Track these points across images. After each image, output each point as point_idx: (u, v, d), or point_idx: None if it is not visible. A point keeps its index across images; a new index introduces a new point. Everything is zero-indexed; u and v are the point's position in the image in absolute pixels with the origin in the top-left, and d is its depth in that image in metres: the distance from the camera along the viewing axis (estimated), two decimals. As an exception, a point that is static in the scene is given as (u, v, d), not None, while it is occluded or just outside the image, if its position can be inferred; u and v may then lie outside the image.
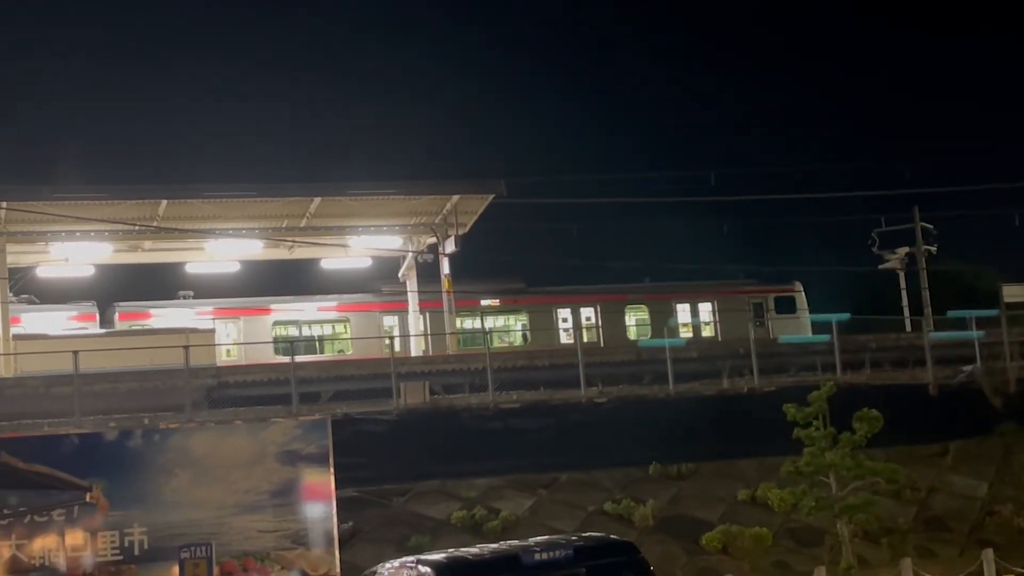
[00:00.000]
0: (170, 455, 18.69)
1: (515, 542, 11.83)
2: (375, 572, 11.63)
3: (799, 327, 41.72)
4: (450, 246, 35.51)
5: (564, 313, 41.83)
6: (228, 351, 35.92)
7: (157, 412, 25.85)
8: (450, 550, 11.57)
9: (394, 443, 26.70)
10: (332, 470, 19.22)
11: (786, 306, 44.25)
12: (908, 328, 42.05)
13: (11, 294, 35.57)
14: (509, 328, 41.71)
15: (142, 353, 28.11)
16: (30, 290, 37.05)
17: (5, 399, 27.13)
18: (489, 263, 44.25)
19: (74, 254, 34.06)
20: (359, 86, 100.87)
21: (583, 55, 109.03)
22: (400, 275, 38.10)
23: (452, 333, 36.09)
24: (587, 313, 42.08)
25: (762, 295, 44.34)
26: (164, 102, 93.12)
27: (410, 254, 36.86)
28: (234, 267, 37.62)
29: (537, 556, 10.16)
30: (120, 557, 18.10)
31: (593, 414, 28.69)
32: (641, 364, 32.72)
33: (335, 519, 19.22)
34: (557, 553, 10.26)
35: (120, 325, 36.05)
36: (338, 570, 18.92)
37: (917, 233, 47.53)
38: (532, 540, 11.49)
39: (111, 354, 28.06)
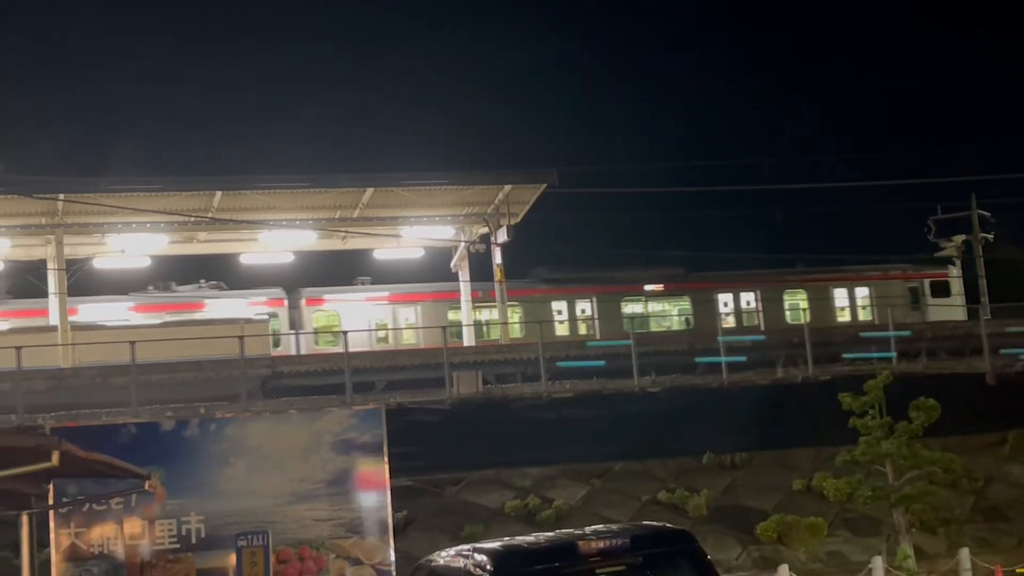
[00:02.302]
0: (226, 444, 18.79)
1: (570, 531, 11.77)
2: (431, 560, 11.60)
3: (954, 312, 41.46)
4: (502, 236, 35.49)
5: (725, 298, 41.92)
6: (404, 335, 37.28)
7: (220, 401, 26.15)
8: (506, 538, 11.53)
9: (447, 432, 26.79)
10: (386, 459, 19.25)
11: (941, 291, 44.01)
12: (965, 316, 41.64)
13: (203, 280, 36.61)
14: (667, 313, 42.07)
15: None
16: (221, 277, 38.74)
17: (64, 389, 27.50)
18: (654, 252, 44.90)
19: (130, 245, 34.41)
20: (413, 74, 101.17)
21: (637, 43, 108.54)
22: (452, 265, 38.11)
23: (506, 323, 36.14)
24: (747, 298, 42.20)
25: (918, 280, 44.12)
26: (213, 89, 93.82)
27: (462, 244, 36.87)
28: (288, 257, 37.85)
29: (593, 545, 10.09)
30: (177, 545, 18.24)
31: (646, 403, 28.62)
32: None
33: (389, 508, 19.26)
34: (614, 542, 10.17)
35: (306, 310, 37.12)
36: (392, 558, 18.97)
37: (974, 220, 46.94)
38: (588, 529, 11.44)
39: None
